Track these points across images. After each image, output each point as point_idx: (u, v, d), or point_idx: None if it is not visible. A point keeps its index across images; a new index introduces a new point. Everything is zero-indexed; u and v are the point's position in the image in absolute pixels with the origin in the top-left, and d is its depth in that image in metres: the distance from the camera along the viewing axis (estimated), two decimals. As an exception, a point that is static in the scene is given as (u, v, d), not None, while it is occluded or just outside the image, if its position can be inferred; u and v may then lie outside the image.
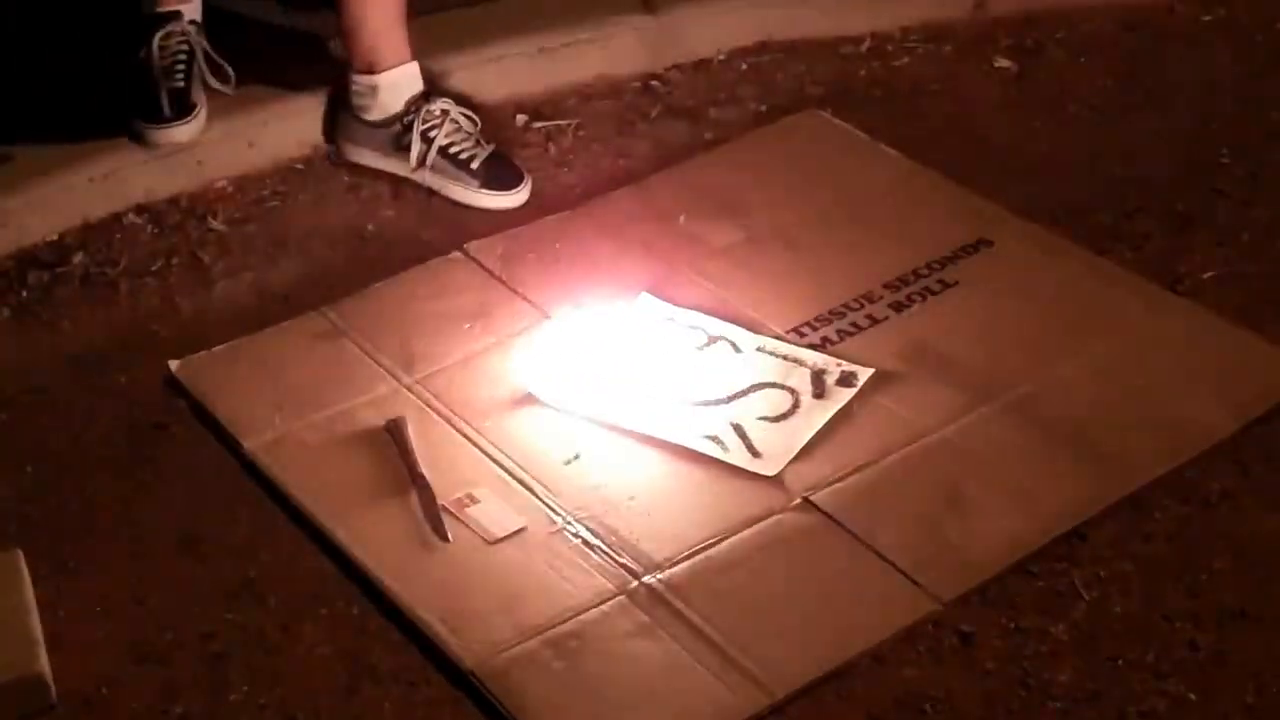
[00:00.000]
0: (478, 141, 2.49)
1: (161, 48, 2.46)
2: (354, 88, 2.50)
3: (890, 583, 1.86)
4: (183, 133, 2.46)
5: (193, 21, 2.50)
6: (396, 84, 2.48)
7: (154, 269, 2.40)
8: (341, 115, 2.55)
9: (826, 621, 1.83)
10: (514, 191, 2.48)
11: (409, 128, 2.47)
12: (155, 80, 2.45)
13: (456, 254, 2.37)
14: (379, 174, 2.56)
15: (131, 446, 2.09)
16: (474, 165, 2.47)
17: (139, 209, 2.49)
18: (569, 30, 2.74)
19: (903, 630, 1.81)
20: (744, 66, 2.79)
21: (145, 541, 1.97)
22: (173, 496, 2.02)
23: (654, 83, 2.76)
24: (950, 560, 1.88)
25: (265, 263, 2.41)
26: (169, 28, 2.47)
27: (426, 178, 2.49)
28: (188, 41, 2.48)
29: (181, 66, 2.46)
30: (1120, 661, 1.78)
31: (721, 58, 2.80)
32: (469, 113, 2.51)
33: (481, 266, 2.34)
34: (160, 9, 2.49)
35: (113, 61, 2.53)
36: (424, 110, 2.47)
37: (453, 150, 2.47)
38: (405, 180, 2.52)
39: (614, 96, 2.73)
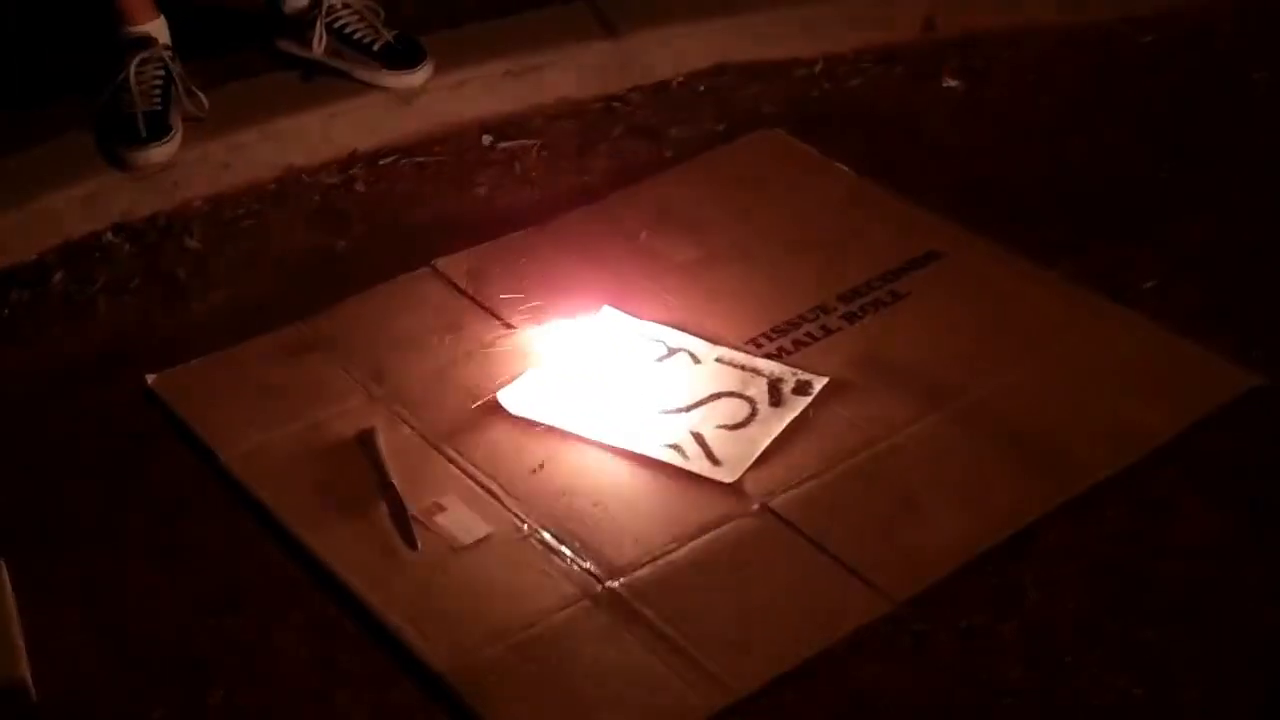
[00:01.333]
0: (377, 28, 2.66)
1: (139, 72, 2.52)
2: None
3: (845, 584, 1.88)
4: (159, 154, 2.51)
5: (167, 47, 2.56)
6: None
7: (132, 286, 2.42)
8: (271, 12, 2.72)
9: (784, 622, 1.85)
10: (413, 72, 2.66)
11: (314, 19, 2.65)
12: (132, 103, 2.51)
13: (425, 270, 2.39)
14: (349, 194, 2.60)
15: (111, 458, 2.11)
16: (375, 48, 2.65)
17: (117, 228, 2.51)
18: (533, 54, 2.77)
19: (858, 630, 1.83)
20: (702, 88, 2.82)
21: (125, 550, 1.98)
22: (152, 506, 2.04)
23: (615, 104, 2.78)
24: (903, 562, 1.90)
25: (240, 280, 2.44)
26: (145, 53, 2.53)
27: (333, 62, 2.67)
28: (164, 66, 2.54)
29: (158, 90, 2.52)
30: (1068, 659, 1.80)
31: (680, 79, 2.82)
32: (370, 3, 2.69)
33: (449, 282, 2.37)
34: (131, 31, 2.54)
35: (92, 85, 2.57)
36: (325, 4, 2.65)
37: (355, 36, 2.65)
38: (365, 200, 2.59)
39: (577, 117, 2.76)
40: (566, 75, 2.78)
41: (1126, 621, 1.85)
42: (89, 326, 2.35)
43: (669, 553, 1.93)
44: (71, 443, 2.14)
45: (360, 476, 2.04)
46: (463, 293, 2.35)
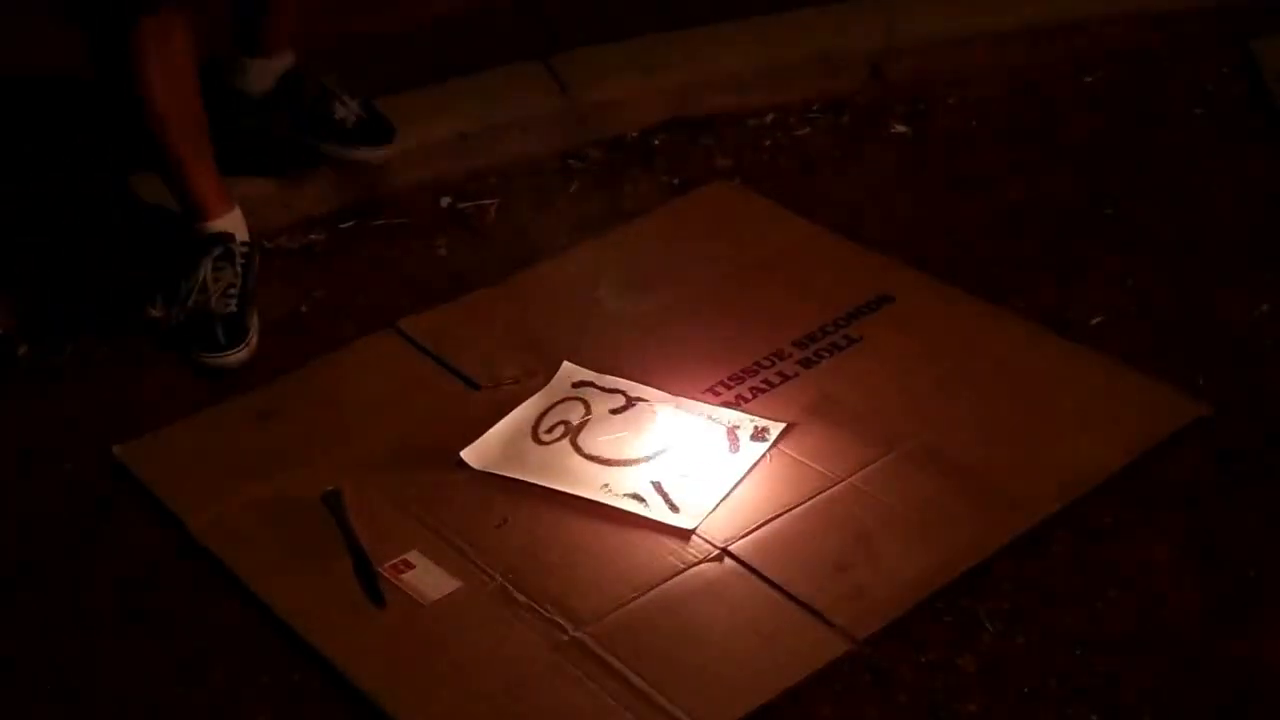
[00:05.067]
0: (344, 101, 2.67)
1: (216, 269, 2.42)
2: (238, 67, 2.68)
3: (806, 625, 1.90)
4: (235, 360, 2.39)
5: (244, 243, 2.46)
6: (265, 67, 2.66)
7: (96, 357, 2.42)
8: (230, 88, 2.70)
9: (747, 665, 1.87)
10: (380, 148, 2.68)
11: (280, 99, 2.65)
12: (208, 304, 2.40)
13: (388, 331, 2.41)
14: (310, 259, 2.63)
15: (79, 530, 2.11)
16: (341, 124, 2.66)
17: (81, 299, 2.50)
18: (489, 114, 2.80)
19: (819, 670, 1.85)
20: (656, 142, 2.85)
21: (94, 620, 1.99)
22: (120, 576, 2.05)
23: (571, 160, 2.81)
24: (861, 601, 1.92)
25: (203, 347, 2.44)
26: (220, 249, 2.43)
27: (299, 137, 2.68)
28: (244, 263, 2.44)
29: (234, 291, 2.41)
30: (1025, 689, 1.83)
31: (634, 134, 2.85)
32: (334, 77, 2.69)
33: (411, 341, 2.39)
34: (207, 228, 2.44)
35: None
36: (290, 81, 2.66)
37: (320, 111, 2.66)
38: (327, 264, 2.62)
39: (533, 175, 2.78)
40: (522, 133, 2.81)
41: (1081, 651, 1.88)
42: (54, 400, 2.35)
43: (633, 600, 1.95)
44: (38, 513, 2.15)
45: (327, 537, 2.05)
46: (426, 352, 2.37)
